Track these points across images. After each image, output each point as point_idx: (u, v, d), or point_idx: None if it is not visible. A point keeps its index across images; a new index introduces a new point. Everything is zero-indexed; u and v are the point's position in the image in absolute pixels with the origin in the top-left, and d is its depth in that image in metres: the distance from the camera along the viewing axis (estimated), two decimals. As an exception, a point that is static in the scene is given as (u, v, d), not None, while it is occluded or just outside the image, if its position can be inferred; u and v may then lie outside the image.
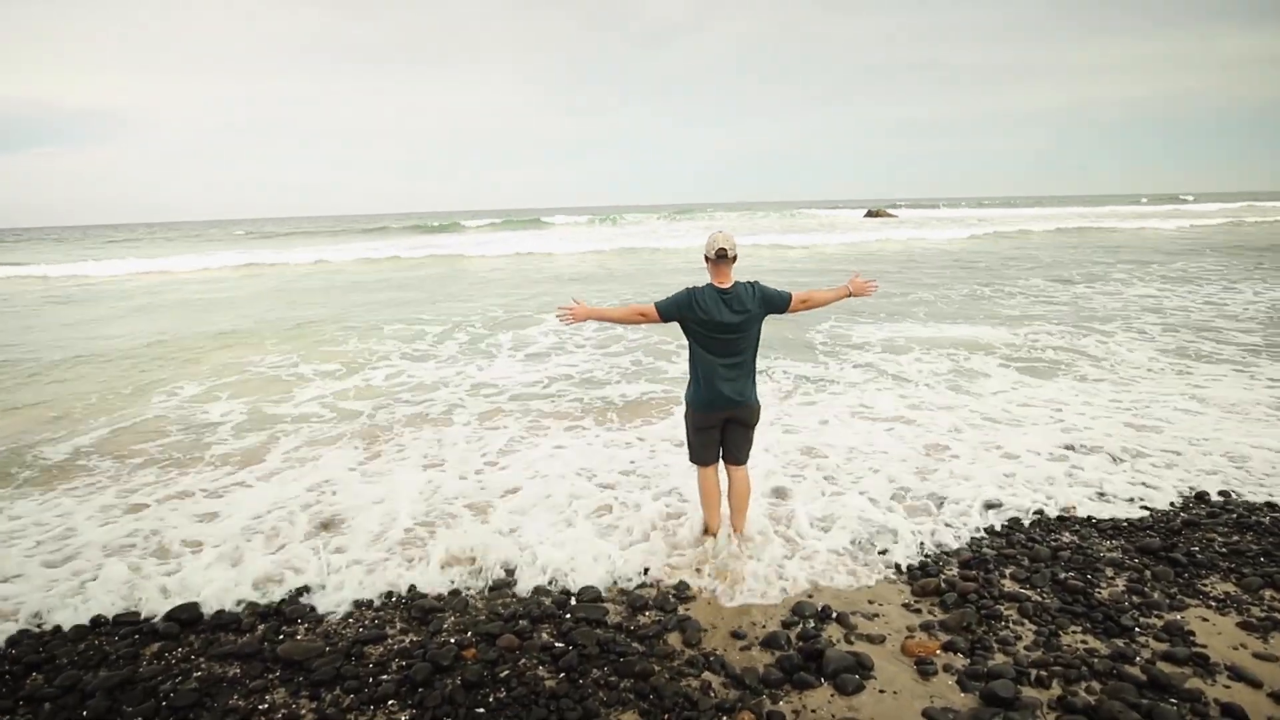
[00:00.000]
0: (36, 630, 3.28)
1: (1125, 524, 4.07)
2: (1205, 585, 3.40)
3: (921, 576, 3.56)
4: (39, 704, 2.76)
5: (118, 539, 4.20)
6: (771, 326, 3.88)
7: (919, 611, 3.28)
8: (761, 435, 5.31)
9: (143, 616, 3.37)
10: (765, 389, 6.79)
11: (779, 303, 3.68)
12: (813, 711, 2.64)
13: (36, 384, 8.15)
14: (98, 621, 3.33)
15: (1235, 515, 4.13)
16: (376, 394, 7.42)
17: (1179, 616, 3.15)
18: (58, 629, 3.29)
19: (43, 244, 42.68)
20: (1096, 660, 2.84)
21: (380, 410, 6.82)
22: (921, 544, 3.91)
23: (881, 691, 2.74)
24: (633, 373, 7.99)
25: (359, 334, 10.80)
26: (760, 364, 3.87)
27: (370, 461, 5.46)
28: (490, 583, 3.63)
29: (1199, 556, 3.64)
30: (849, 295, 3.87)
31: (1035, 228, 34.83)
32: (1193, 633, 3.01)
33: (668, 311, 3.63)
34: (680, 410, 3.98)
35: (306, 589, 3.59)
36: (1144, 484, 4.64)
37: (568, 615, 3.29)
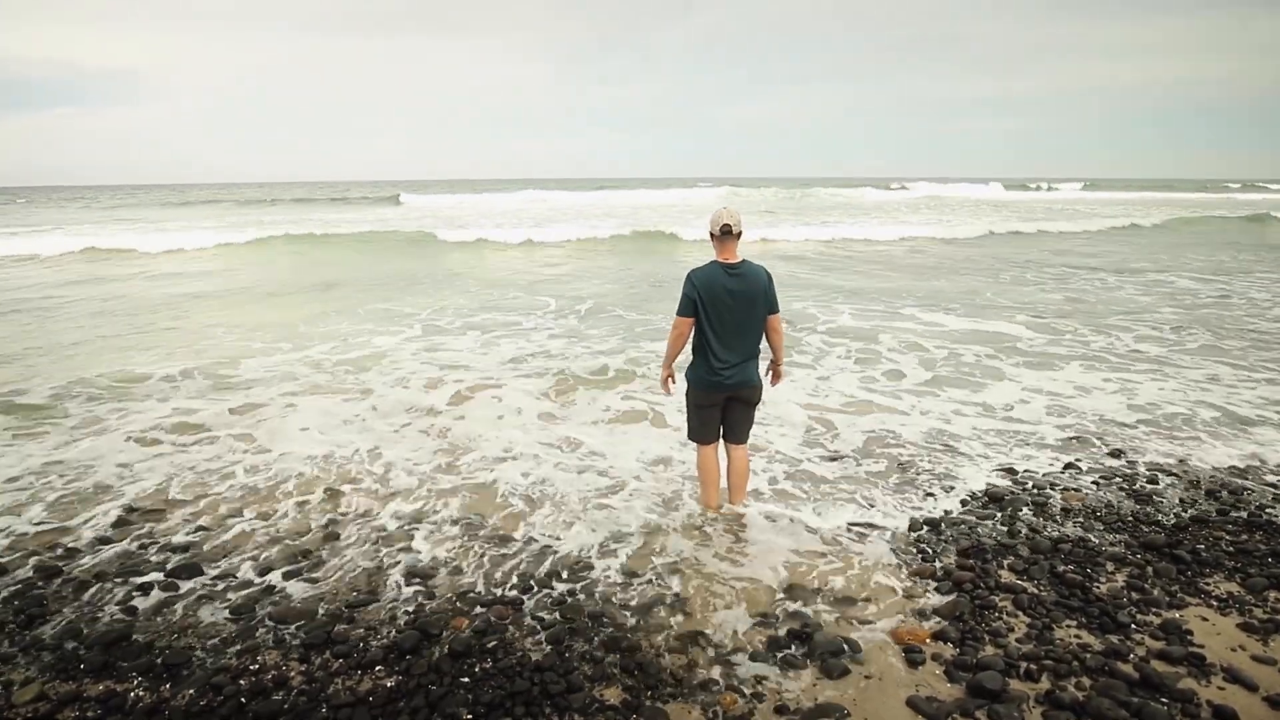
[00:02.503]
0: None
1: (1131, 518, 3.99)
2: (1208, 584, 3.33)
3: (919, 563, 3.52)
4: (39, 653, 2.83)
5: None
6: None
7: (912, 598, 3.25)
8: (775, 409, 5.31)
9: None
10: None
11: (772, 305, 3.69)
12: (797, 695, 2.63)
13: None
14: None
15: (1246, 514, 4.04)
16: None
17: (1178, 615, 3.09)
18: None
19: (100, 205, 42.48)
20: (1089, 656, 2.80)
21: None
22: (920, 527, 3.87)
23: (867, 678, 2.72)
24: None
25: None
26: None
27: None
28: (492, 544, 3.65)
29: (1204, 554, 3.56)
30: (774, 367, 3.96)
31: (1143, 221, 26.45)
32: (1190, 632, 2.96)
33: (687, 308, 3.61)
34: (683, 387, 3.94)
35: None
36: None
37: (558, 586, 3.30)
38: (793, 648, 2.87)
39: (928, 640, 2.94)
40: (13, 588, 3.29)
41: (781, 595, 3.26)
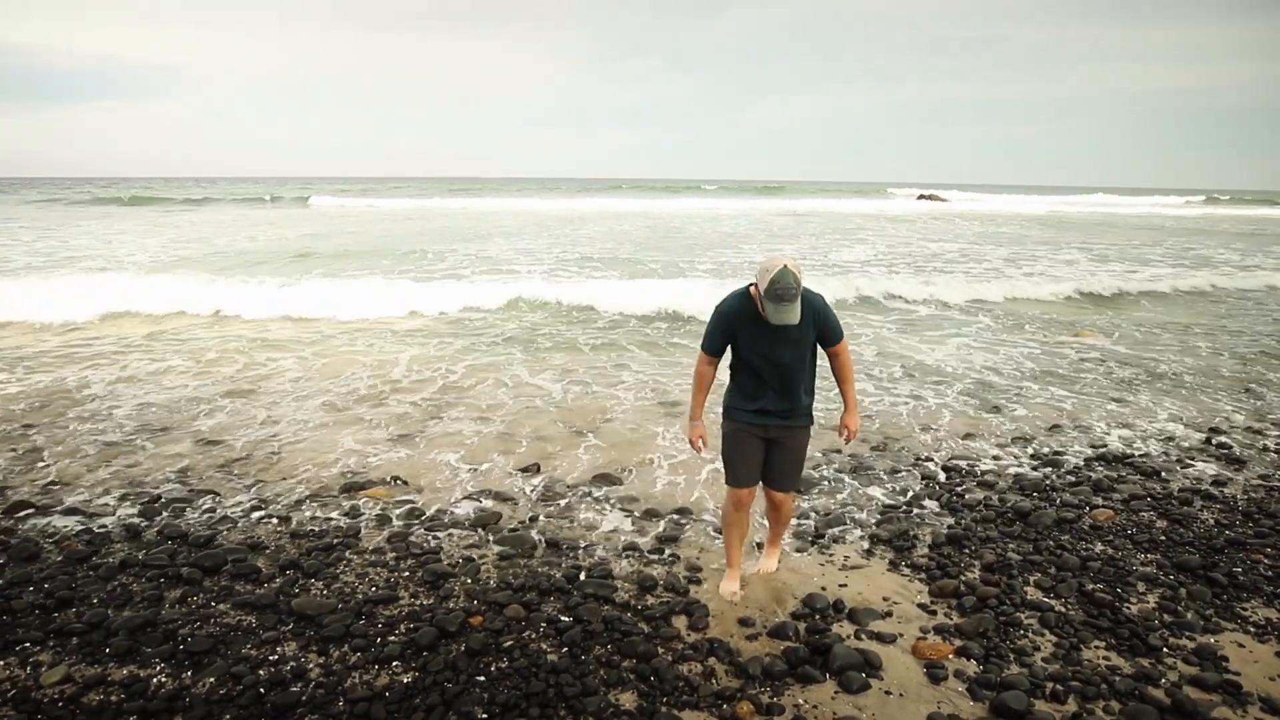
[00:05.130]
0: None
1: (1164, 538, 3.88)
2: (1245, 609, 3.22)
3: (940, 577, 3.46)
4: (67, 637, 2.89)
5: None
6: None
7: (934, 613, 3.19)
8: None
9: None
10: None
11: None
12: (814, 707, 2.59)
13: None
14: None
15: (1286, 537, 3.90)
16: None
17: (1213, 640, 2.99)
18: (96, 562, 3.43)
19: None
20: (1118, 679, 2.72)
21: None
22: (940, 538, 3.79)
23: (888, 693, 2.67)
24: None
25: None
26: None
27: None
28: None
29: (1241, 578, 3.45)
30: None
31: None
32: (1226, 658, 2.86)
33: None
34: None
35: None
36: None
37: (575, 590, 3.29)
38: (811, 660, 2.83)
39: (950, 656, 2.88)
40: (43, 572, 3.36)
41: (799, 607, 3.21)
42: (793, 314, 2.79)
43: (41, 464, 4.68)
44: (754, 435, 3.15)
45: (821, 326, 3.03)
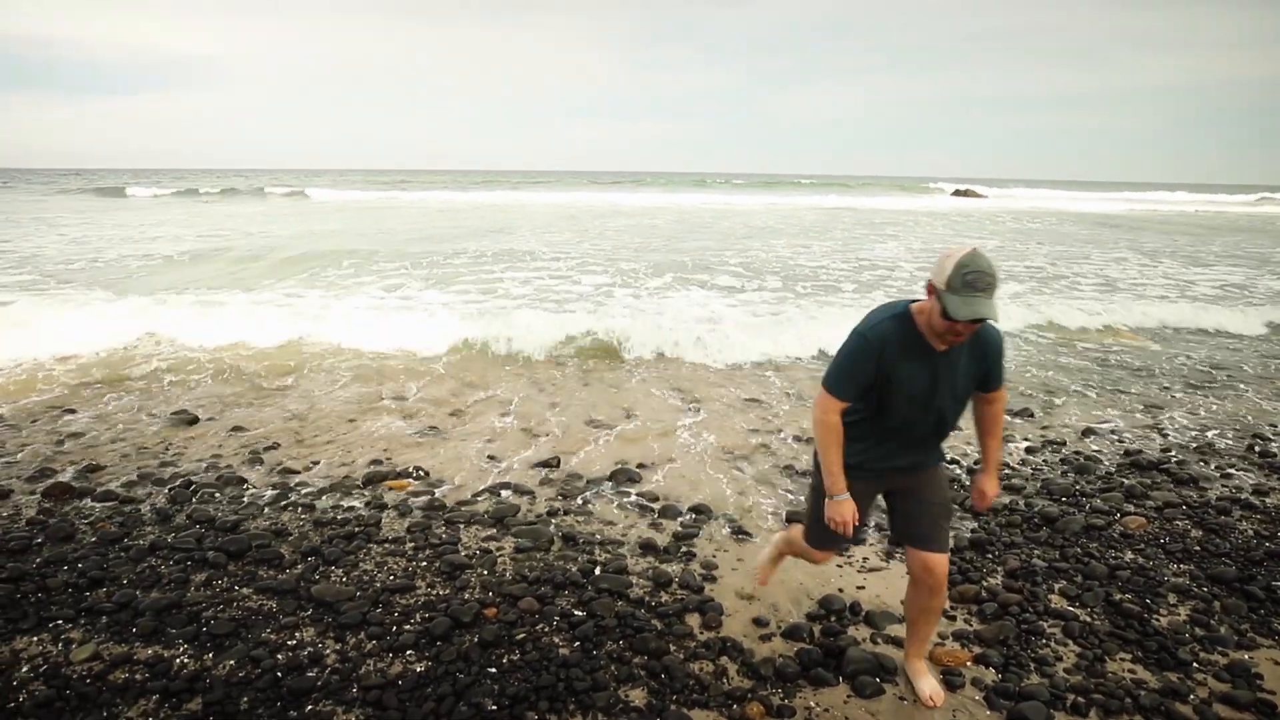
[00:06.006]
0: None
1: (1198, 548, 3.75)
2: (1283, 625, 3.10)
3: (961, 581, 3.39)
4: (97, 616, 2.98)
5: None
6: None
7: (953, 618, 3.12)
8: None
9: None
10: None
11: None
12: (825, 710, 2.56)
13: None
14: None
15: (1330, 550, 3.74)
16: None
17: (1247, 656, 2.88)
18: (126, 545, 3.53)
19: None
20: (1144, 693, 2.63)
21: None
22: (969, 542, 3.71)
23: (901, 699, 2.63)
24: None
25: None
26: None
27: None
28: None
29: (1280, 592, 3.32)
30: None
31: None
32: (1261, 676, 2.75)
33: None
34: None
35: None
36: None
37: (589, 585, 3.29)
38: (825, 663, 2.80)
39: (968, 663, 2.82)
40: (77, 552, 3.48)
41: (815, 608, 3.18)
42: (991, 308, 2.08)
43: (80, 447, 4.84)
44: (871, 490, 2.57)
45: (994, 364, 2.37)
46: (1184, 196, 58.74)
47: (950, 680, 2.71)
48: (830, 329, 7.87)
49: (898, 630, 3.02)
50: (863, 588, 3.36)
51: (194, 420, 5.41)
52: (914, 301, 2.30)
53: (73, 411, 5.53)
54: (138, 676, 2.63)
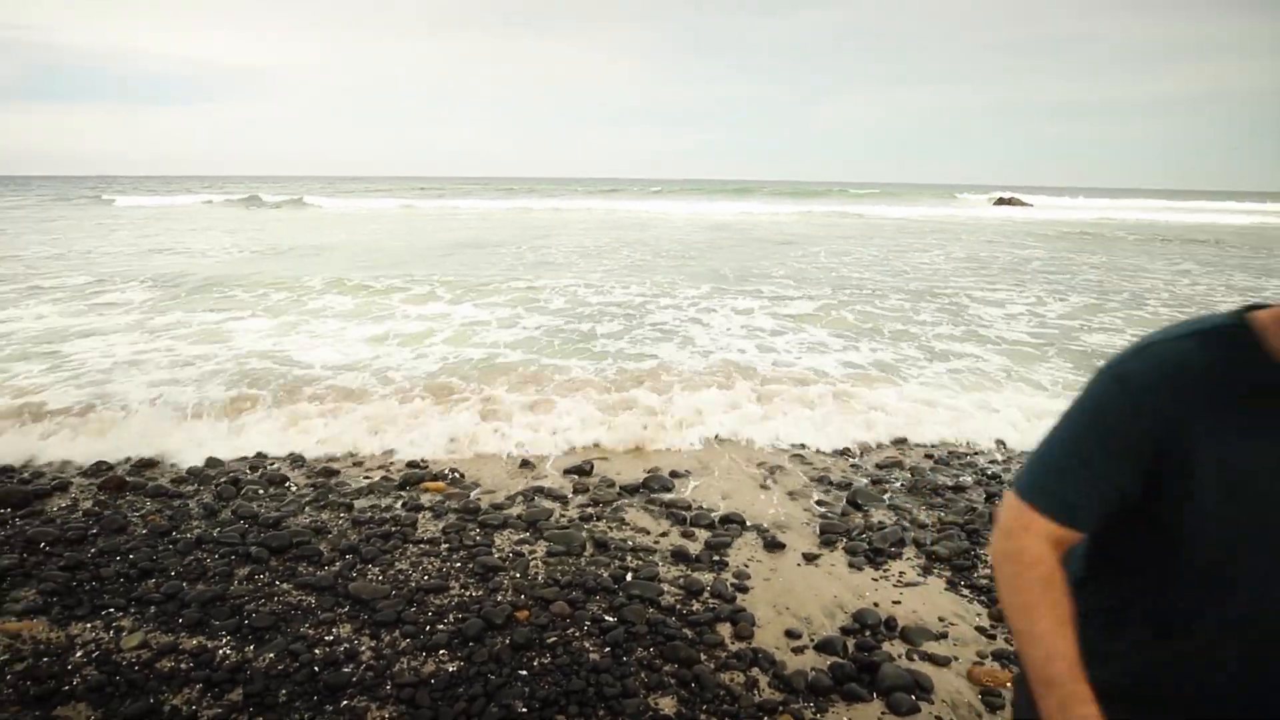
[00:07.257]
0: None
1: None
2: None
3: (1002, 601, 3.29)
4: (146, 606, 3.09)
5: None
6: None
7: (994, 637, 3.04)
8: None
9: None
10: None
11: None
12: (859, 727, 2.51)
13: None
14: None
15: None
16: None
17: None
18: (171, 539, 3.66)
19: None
20: None
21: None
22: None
23: (938, 718, 2.56)
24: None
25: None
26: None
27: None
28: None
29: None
30: None
31: None
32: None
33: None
34: None
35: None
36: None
37: (620, 591, 3.29)
38: (859, 678, 2.74)
39: (1009, 685, 2.73)
40: (129, 544, 3.61)
41: (849, 622, 3.12)
42: None
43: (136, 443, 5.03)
44: None
45: None
46: (1232, 205, 56.01)
47: (990, 701, 2.63)
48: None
49: (934, 647, 2.95)
50: (899, 602, 3.29)
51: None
52: (1255, 308, 1.04)
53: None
54: (182, 666, 2.71)
